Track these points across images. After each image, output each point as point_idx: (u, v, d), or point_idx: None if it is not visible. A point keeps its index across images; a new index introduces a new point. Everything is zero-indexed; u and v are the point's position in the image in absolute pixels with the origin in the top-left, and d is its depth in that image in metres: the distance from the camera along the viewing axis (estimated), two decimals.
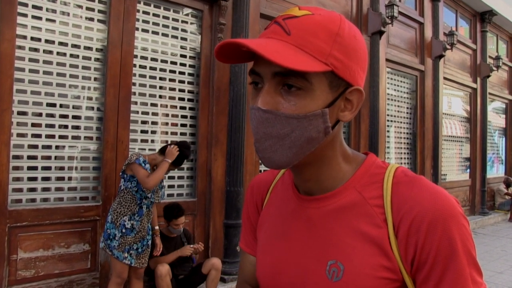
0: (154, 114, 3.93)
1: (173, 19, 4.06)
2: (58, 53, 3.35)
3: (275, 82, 0.62)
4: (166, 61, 4.00)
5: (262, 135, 0.63)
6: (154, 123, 3.93)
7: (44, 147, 3.29)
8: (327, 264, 0.65)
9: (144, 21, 3.86)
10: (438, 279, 0.60)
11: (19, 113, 3.18)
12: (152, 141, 3.93)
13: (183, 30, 4.15)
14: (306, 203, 0.72)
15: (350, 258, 0.64)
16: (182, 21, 4.14)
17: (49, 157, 3.31)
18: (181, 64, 4.12)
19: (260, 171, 4.69)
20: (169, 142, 4.04)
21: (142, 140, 3.85)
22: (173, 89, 4.07)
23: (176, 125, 4.11)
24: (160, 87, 3.97)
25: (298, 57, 0.59)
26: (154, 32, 3.93)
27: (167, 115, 4.08)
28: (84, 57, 3.49)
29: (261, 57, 0.58)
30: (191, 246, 3.56)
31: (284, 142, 0.62)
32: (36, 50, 3.25)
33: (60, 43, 3.37)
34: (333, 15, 0.64)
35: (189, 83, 4.17)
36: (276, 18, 0.64)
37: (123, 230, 3.00)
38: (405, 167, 0.69)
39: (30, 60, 3.22)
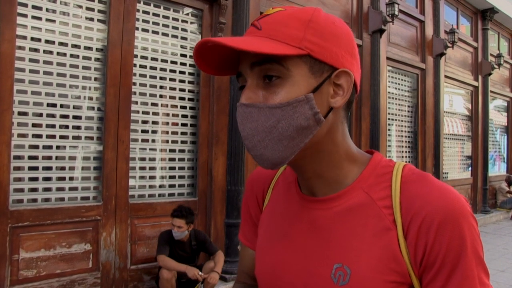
0: (155, 113, 3.93)
1: (173, 19, 4.06)
2: (58, 53, 3.35)
3: (255, 76, 0.62)
4: (166, 61, 4.00)
5: (248, 131, 0.62)
6: (154, 122, 3.93)
7: (45, 147, 3.30)
8: (333, 267, 0.63)
9: (144, 21, 3.85)
10: (445, 279, 0.58)
11: (20, 113, 3.18)
12: (153, 140, 3.93)
13: (183, 30, 4.14)
14: (311, 204, 0.69)
15: (357, 262, 0.61)
16: (182, 21, 4.14)
17: (50, 157, 3.32)
18: (182, 64, 4.11)
19: None
20: (169, 142, 4.05)
21: (143, 140, 3.85)
22: (173, 89, 4.07)
23: (176, 124, 4.11)
24: (161, 87, 3.97)
25: (267, 44, 0.58)
26: (154, 32, 3.93)
27: (167, 114, 4.08)
28: (84, 57, 3.49)
29: (241, 55, 0.58)
30: (200, 274, 3.35)
31: (273, 135, 0.60)
32: (36, 50, 3.26)
33: (60, 43, 3.37)
34: (307, 8, 0.63)
35: (189, 82, 4.17)
36: (253, 21, 0.65)
37: None
38: (411, 165, 0.67)
39: (30, 60, 3.22)
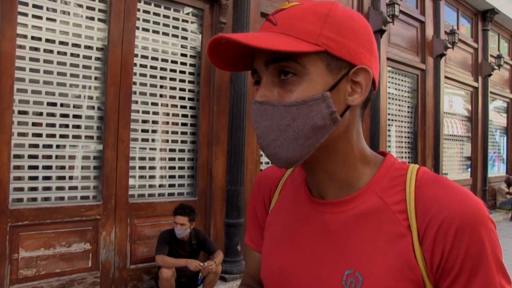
0: (155, 113, 3.93)
1: (174, 18, 4.06)
2: (58, 52, 3.35)
3: (271, 73, 0.60)
4: (166, 60, 4.00)
5: (262, 129, 0.60)
6: (154, 122, 3.93)
7: (45, 146, 3.30)
8: (344, 273, 0.61)
9: (144, 20, 3.85)
10: (463, 286, 0.55)
11: (20, 112, 3.18)
12: (153, 140, 3.93)
13: (184, 29, 4.14)
14: (321, 207, 0.66)
15: (370, 268, 0.59)
16: (183, 20, 4.14)
17: (50, 156, 3.31)
18: (182, 63, 4.11)
19: (261, 170, 4.68)
20: (169, 141, 4.05)
21: (142, 139, 3.85)
22: (173, 88, 4.07)
23: (176, 124, 4.11)
24: (161, 86, 3.97)
25: (282, 40, 0.56)
26: (154, 31, 3.93)
27: (167, 114, 4.08)
28: (85, 56, 3.49)
29: (256, 52, 0.57)
30: (201, 264, 3.40)
31: (288, 134, 0.58)
32: (36, 49, 3.25)
33: (61, 42, 3.37)
34: (325, 2, 0.61)
35: (189, 82, 4.17)
36: (268, 16, 0.63)
37: None
38: (425, 167, 0.64)
39: (31, 59, 3.22)
